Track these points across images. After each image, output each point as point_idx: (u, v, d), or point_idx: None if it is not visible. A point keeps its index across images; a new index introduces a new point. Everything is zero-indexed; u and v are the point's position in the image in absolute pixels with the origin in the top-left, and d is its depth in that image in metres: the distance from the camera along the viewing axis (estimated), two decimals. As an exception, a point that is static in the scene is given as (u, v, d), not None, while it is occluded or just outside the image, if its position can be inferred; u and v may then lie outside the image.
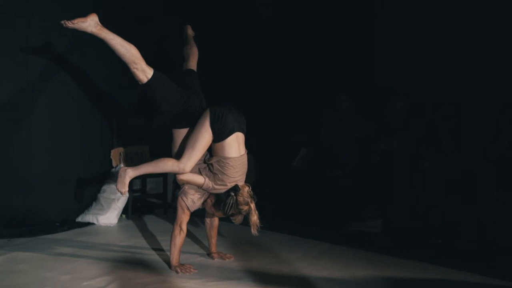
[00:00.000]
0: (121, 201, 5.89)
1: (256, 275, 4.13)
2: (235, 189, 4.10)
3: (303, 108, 7.05)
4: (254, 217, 4.08)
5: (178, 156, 4.20)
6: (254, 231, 4.07)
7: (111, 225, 5.79)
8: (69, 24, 4.04)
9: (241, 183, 4.18)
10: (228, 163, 4.11)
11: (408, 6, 6.18)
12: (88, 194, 6.03)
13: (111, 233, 5.48)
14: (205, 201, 4.30)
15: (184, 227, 4.27)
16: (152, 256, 4.64)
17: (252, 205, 4.09)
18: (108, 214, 5.82)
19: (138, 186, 6.47)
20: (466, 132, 5.55)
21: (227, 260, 4.58)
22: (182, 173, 4.13)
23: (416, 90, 6.02)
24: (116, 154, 6.23)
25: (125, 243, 5.06)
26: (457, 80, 5.77)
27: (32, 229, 5.34)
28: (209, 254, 4.69)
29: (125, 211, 6.05)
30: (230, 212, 4.11)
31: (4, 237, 5.03)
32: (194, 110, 4.26)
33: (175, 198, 6.84)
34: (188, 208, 4.26)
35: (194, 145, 4.09)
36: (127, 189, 4.18)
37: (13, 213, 5.43)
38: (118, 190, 4.21)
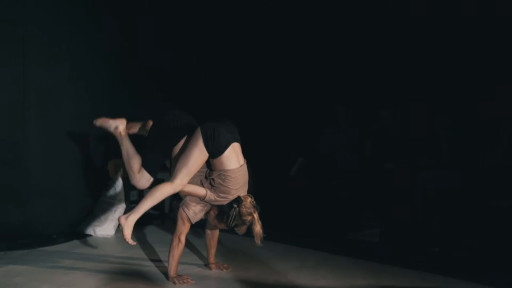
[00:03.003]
0: (118, 212, 5.87)
1: (253, 286, 4.13)
2: (238, 200, 4.07)
3: (300, 118, 7.06)
4: (257, 227, 4.05)
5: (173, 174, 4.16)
6: (257, 241, 4.05)
7: (109, 237, 5.77)
8: (97, 122, 4.48)
9: (243, 193, 4.16)
10: (229, 176, 4.08)
11: (404, 17, 6.22)
12: (85, 206, 6.03)
13: (108, 245, 5.47)
14: (207, 212, 4.29)
15: (183, 238, 4.26)
16: (150, 267, 4.62)
17: (255, 215, 4.07)
18: (105, 226, 5.80)
19: (135, 197, 6.45)
20: (464, 141, 5.56)
21: (224, 270, 4.56)
22: (178, 191, 4.10)
23: (412, 101, 6.05)
24: (112, 165, 6.21)
25: (123, 255, 5.04)
26: (453, 90, 5.81)
27: (28, 241, 5.31)
28: (207, 265, 4.68)
29: (122, 222, 6.03)
30: (234, 224, 4.09)
31: (0, 250, 5.02)
32: (184, 124, 4.28)
33: (172, 209, 6.86)
34: (189, 220, 4.25)
35: (187, 165, 4.01)
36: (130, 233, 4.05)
37: (10, 226, 5.41)
38: (126, 240, 3.99)
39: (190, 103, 7.05)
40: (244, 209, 4.04)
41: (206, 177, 4.20)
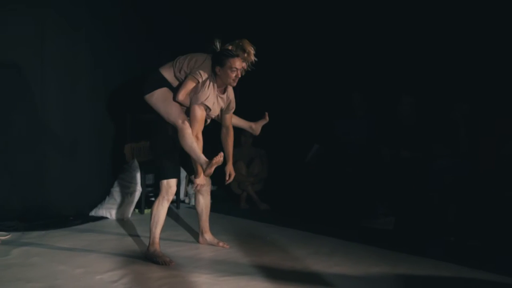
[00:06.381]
0: (134, 196, 5.91)
1: (268, 271, 4.13)
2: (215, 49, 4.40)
3: (316, 105, 7.04)
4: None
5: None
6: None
7: (124, 220, 5.81)
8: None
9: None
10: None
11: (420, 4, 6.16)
12: (102, 189, 6.06)
13: (124, 228, 5.50)
14: (212, 83, 4.40)
15: (200, 135, 4.35)
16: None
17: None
18: (121, 209, 5.85)
19: (151, 181, 6.48)
20: (481, 130, 5.51)
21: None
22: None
23: (428, 89, 6.02)
24: (129, 149, 6.23)
25: (138, 238, 5.08)
26: (470, 79, 5.76)
27: (45, 222, 5.37)
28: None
29: (138, 205, 6.08)
30: (234, 50, 4.47)
31: (18, 231, 5.08)
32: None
33: (188, 195, 6.89)
34: (204, 108, 4.34)
35: (169, 113, 4.42)
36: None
37: (27, 207, 5.48)
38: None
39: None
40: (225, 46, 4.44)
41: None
